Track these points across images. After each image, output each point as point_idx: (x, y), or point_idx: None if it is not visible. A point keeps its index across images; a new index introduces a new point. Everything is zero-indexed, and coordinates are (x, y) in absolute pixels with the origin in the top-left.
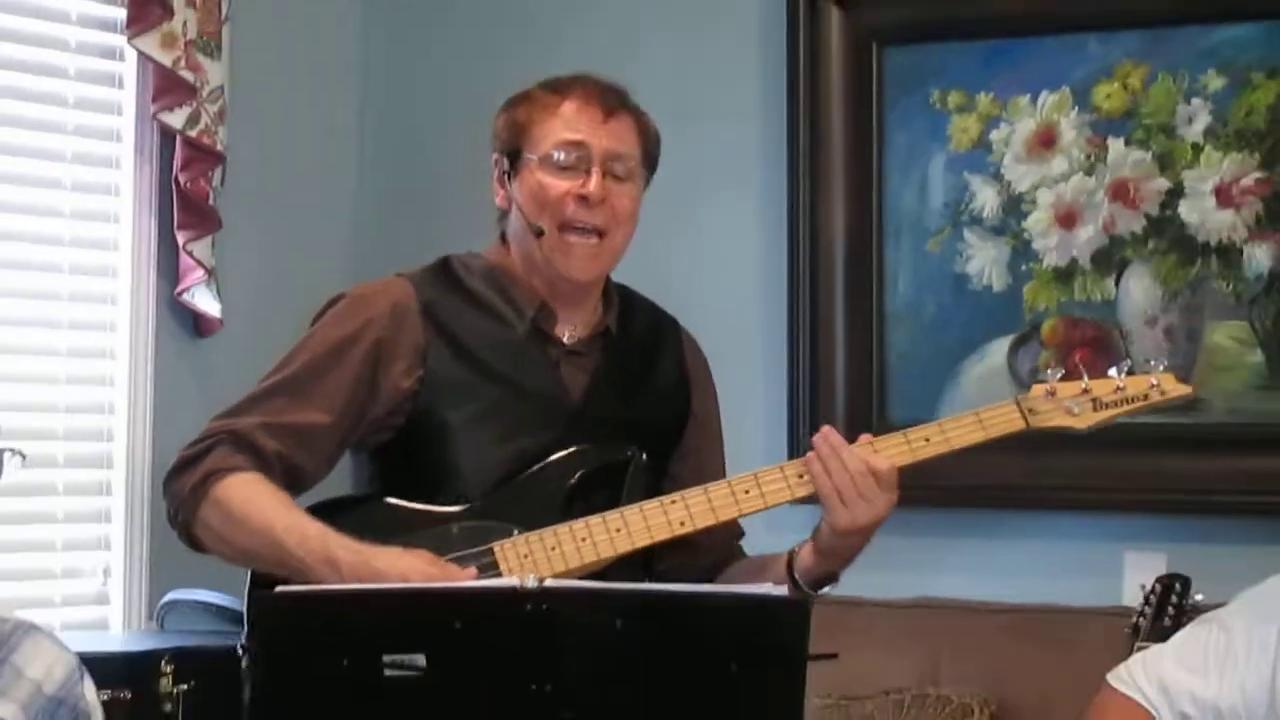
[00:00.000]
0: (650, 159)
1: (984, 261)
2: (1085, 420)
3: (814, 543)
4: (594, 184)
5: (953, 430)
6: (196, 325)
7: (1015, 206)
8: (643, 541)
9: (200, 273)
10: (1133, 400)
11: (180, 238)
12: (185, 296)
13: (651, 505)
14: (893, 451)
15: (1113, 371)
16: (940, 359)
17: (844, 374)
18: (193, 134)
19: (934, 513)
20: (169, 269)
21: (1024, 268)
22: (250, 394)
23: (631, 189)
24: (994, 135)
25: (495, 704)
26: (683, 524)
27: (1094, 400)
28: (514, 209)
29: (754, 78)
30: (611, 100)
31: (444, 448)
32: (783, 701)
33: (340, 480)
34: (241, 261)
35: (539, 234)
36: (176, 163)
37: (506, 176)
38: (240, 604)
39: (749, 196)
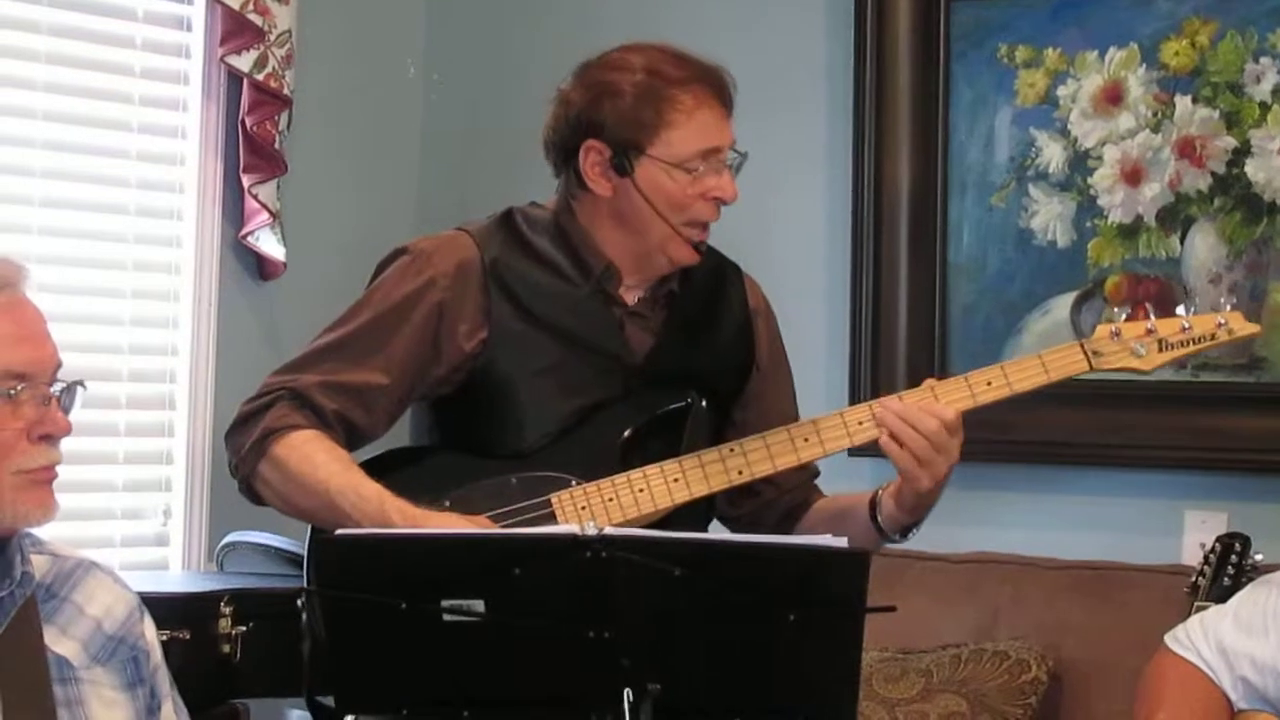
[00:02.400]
0: None
1: (1048, 217)
2: (1151, 362)
3: (896, 500)
4: (733, 189)
5: (1014, 373)
6: (260, 268)
7: (1081, 162)
8: (700, 491)
9: (265, 216)
10: (1199, 340)
11: (245, 181)
12: (250, 239)
13: (710, 455)
14: (955, 398)
15: (1180, 310)
16: (1003, 314)
17: (906, 327)
18: (260, 77)
19: (994, 467)
20: (234, 212)
21: (1088, 224)
22: (310, 349)
23: None
24: (1061, 91)
25: (553, 650)
26: (740, 473)
27: (1160, 341)
28: (626, 198)
29: (821, 30)
30: (727, 98)
31: (506, 402)
32: (840, 652)
33: (399, 427)
34: (306, 205)
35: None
36: (243, 106)
37: (612, 166)
38: (299, 546)
39: (815, 149)
